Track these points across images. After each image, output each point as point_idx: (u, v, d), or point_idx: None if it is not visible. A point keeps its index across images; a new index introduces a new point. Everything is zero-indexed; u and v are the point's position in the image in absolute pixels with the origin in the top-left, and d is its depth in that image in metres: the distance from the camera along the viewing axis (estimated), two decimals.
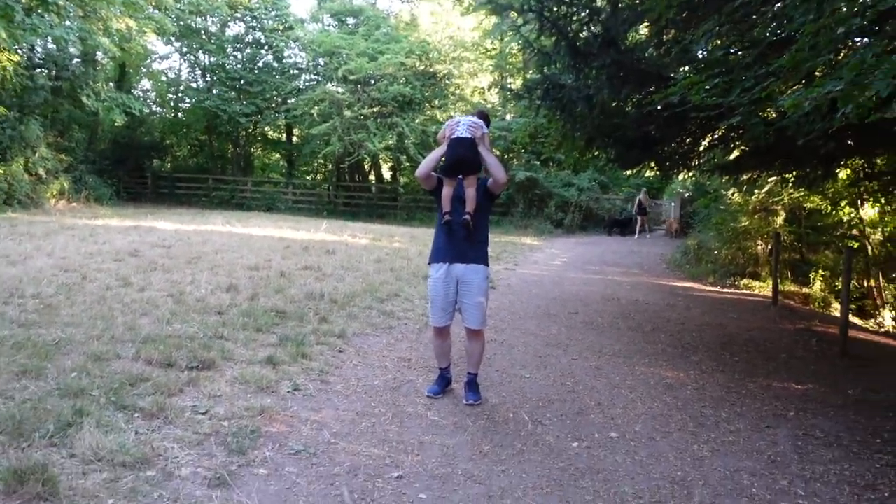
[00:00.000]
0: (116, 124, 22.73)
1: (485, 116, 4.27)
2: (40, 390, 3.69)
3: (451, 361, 4.48)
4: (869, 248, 10.40)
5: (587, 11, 6.19)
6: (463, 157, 4.03)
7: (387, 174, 28.55)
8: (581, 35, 6.39)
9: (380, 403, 4.12)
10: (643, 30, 7.52)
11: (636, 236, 20.05)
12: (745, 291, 10.95)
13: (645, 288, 10.17)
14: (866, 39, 4.04)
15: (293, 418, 3.73)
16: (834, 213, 11.07)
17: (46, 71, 18.59)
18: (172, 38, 24.07)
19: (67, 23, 14.78)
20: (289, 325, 5.69)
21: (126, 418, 3.45)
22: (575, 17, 6.32)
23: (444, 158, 4.10)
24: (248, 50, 25.62)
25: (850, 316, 6.87)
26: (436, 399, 4.26)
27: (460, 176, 4.12)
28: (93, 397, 3.64)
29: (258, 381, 4.18)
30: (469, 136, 4.06)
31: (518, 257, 13.02)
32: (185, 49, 25.66)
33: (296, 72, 25.62)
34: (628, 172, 11.97)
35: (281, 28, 25.33)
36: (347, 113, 21.07)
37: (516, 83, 23.74)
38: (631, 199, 22.08)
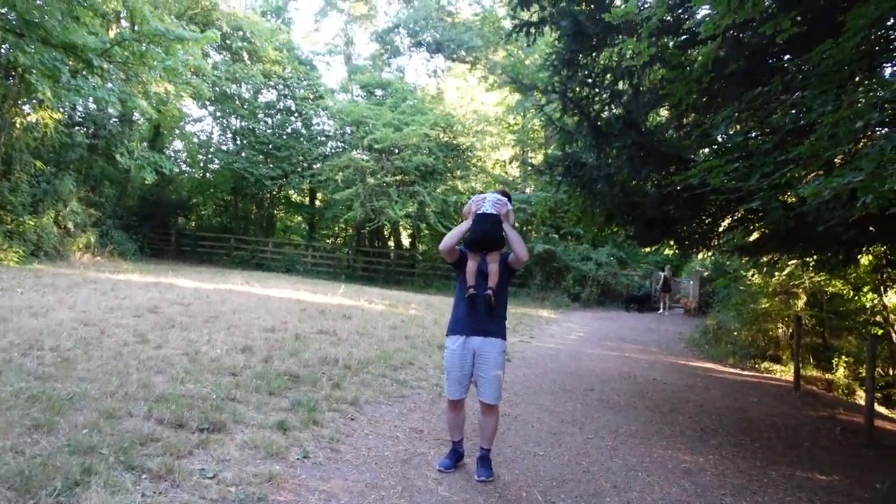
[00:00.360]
0: (146, 182, 23.36)
1: (507, 195, 4.36)
2: (51, 446, 3.67)
3: (463, 435, 4.40)
4: (893, 335, 10.19)
5: (609, 93, 6.38)
6: (488, 233, 4.11)
7: (406, 241, 28.83)
8: (603, 116, 6.58)
9: (390, 475, 4.04)
10: (664, 112, 7.72)
11: (660, 312, 20.12)
12: (765, 375, 10.70)
13: (663, 367, 9.99)
14: (886, 130, 4.11)
15: (301, 487, 3.66)
16: (856, 298, 10.92)
17: (85, 129, 19.36)
18: (207, 103, 25.01)
19: (109, 85, 15.48)
20: (301, 389, 5.66)
21: (134, 479, 3.41)
22: (597, 99, 6.52)
23: (469, 233, 4.17)
24: (278, 116, 26.50)
25: (876, 405, 6.67)
26: (447, 473, 4.16)
27: (484, 251, 4.17)
28: (102, 455, 3.61)
29: (268, 446, 4.13)
30: (495, 212, 4.13)
31: (534, 330, 12.92)
32: (218, 113, 26.62)
33: (323, 138, 26.37)
34: (647, 249, 12.00)
35: (311, 97, 26.25)
36: (371, 180, 21.52)
37: (537, 158, 24.21)
38: (649, 275, 22.01)
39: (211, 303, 10.57)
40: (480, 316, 4.09)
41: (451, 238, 4.15)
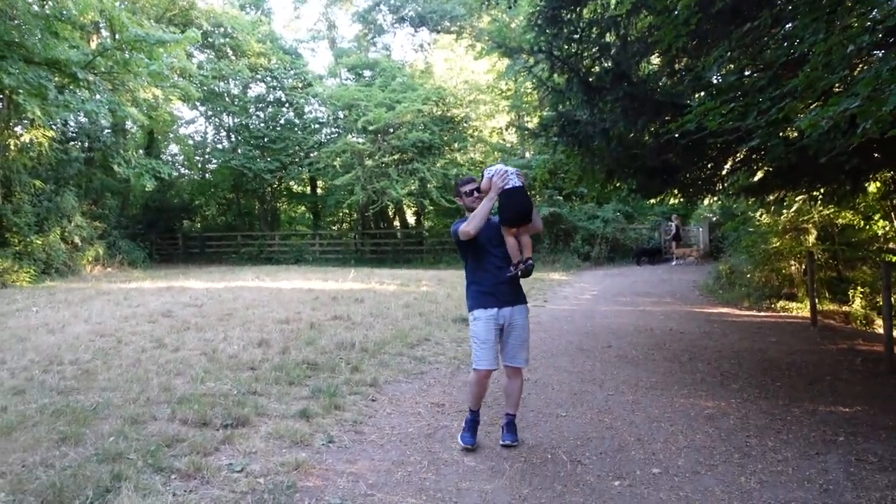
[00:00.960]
0: (147, 189, 23.38)
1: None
2: (80, 456, 3.73)
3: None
4: None
5: (597, 47, 6.27)
6: (525, 206, 4.09)
7: (411, 219, 28.79)
8: (593, 70, 6.46)
9: (415, 451, 4.07)
10: (654, 60, 7.59)
11: (673, 263, 20.13)
12: (782, 314, 10.68)
13: (678, 316, 9.98)
14: (881, 53, 4.02)
15: (329, 471, 3.70)
16: (867, 227, 10.82)
17: (79, 143, 19.35)
18: (197, 103, 24.90)
19: (98, 97, 15.42)
20: (321, 376, 5.70)
21: (163, 480, 3.46)
22: (585, 54, 6.41)
23: (501, 209, 4.11)
24: (269, 109, 26.36)
25: (895, 331, 6.63)
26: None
27: (519, 224, 4.14)
28: (130, 461, 3.66)
29: (292, 435, 4.17)
30: (521, 184, 4.10)
31: (547, 293, 12.92)
32: (209, 112, 26.52)
33: (317, 126, 26.26)
34: (652, 201, 11.89)
35: (300, 85, 26.07)
36: (369, 162, 21.44)
37: (533, 122, 23.98)
38: (657, 227, 21.91)
39: (223, 301, 10.64)
40: (509, 286, 4.11)
41: (480, 219, 3.99)
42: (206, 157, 27.90)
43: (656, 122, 6.13)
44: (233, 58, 24.61)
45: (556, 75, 6.64)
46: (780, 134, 4.76)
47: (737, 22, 5.15)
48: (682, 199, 8.77)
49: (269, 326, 8.09)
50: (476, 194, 4.09)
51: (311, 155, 25.01)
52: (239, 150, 25.25)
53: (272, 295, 11.65)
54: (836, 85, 4.15)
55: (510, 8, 7.83)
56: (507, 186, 4.04)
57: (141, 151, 22.90)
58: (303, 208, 31.27)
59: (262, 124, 25.84)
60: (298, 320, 8.61)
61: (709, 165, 7.13)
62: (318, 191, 28.75)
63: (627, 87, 5.80)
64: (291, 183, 28.09)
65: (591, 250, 20.67)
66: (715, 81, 5.69)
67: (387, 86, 23.52)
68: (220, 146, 27.13)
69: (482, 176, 4.13)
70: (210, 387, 5.23)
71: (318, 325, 8.22)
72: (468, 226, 4.01)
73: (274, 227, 28.00)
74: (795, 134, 5.17)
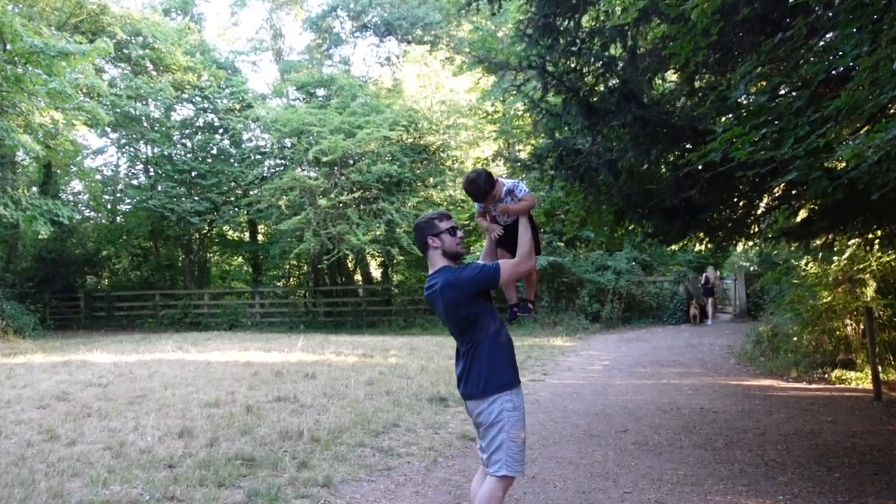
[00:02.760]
0: (41, 236, 23.21)
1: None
2: None
3: None
4: None
5: (600, 62, 6.45)
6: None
7: (376, 273, 28.81)
8: (595, 90, 6.64)
9: None
10: (670, 77, 7.82)
11: (709, 322, 20.69)
12: (838, 386, 10.76)
13: (711, 391, 10.01)
14: None
15: None
16: None
17: None
18: (108, 129, 25.00)
19: None
20: (259, 475, 5.59)
21: None
22: (586, 70, 6.59)
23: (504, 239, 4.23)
24: (198, 136, 26.54)
25: None
26: None
27: None
28: None
29: None
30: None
31: (547, 364, 12.91)
32: (122, 140, 26.62)
33: (258, 157, 26.45)
34: (673, 247, 12.05)
35: (238, 107, 26.34)
36: (323, 201, 21.55)
37: (525, 151, 24.37)
38: (681, 279, 22.18)
39: (136, 379, 10.47)
40: None
41: (532, 248, 4.01)
42: (118, 195, 27.87)
43: (674, 151, 6.28)
44: (153, 73, 24.90)
45: (551, 95, 6.80)
46: (823, 165, 4.90)
47: (766, 32, 5.36)
48: (709, 245, 8.91)
49: (194, 411, 7.95)
50: (459, 234, 4.08)
51: (251, 193, 25.12)
52: (159, 188, 25.27)
53: (199, 370, 11.48)
54: (889, 106, 4.30)
55: (494, 14, 8.07)
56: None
57: (34, 189, 22.80)
58: (239, 260, 31.19)
59: (188, 155, 25.98)
60: (232, 403, 8.47)
61: (740, 204, 7.27)
62: (259, 238, 28.73)
63: (637, 109, 5.95)
64: (225, 228, 28.08)
65: (602, 309, 20.79)
66: (743, 102, 5.87)
67: (345, 107, 23.88)
68: (135, 182, 27.15)
69: (495, 186, 4.09)
70: (115, 491, 5.10)
71: (256, 408, 8.10)
72: (527, 260, 3.94)
73: (202, 284, 27.81)
74: (843, 164, 5.33)
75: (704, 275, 21.49)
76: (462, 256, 4.04)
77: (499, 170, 26.58)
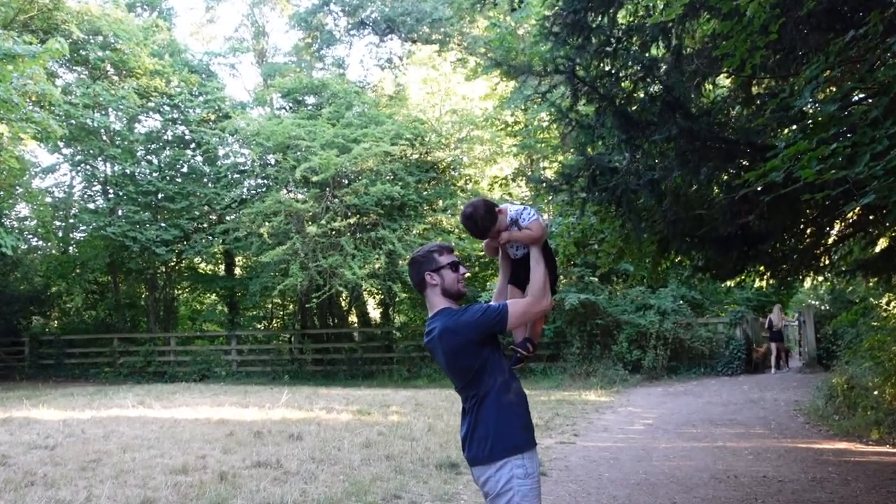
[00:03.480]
0: None
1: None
2: None
3: None
4: None
5: (639, 66, 6.49)
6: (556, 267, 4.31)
7: (374, 313, 28.79)
8: (634, 97, 6.67)
9: None
10: (723, 82, 7.86)
11: (773, 372, 20.80)
12: None
13: (775, 456, 9.90)
14: None
15: None
16: None
17: None
18: (60, 144, 25.14)
19: None
20: None
21: None
22: (623, 74, 6.63)
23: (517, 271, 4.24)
24: (166, 151, 26.75)
25: None
26: None
27: None
28: None
29: None
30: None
31: (579, 423, 12.82)
32: (77, 157, 26.71)
33: (236, 176, 26.52)
34: (728, 283, 12.02)
35: (212, 118, 26.51)
36: (312, 229, 21.60)
37: (551, 169, 24.44)
38: (738, 321, 22.06)
39: (89, 440, 10.43)
40: None
41: (548, 283, 4.02)
42: (71, 221, 27.94)
43: (727, 169, 6.28)
44: (115, 79, 25.14)
45: (582, 104, 6.84)
46: None
47: (836, 29, 5.39)
48: (771, 281, 8.89)
49: (158, 479, 7.91)
50: (462, 270, 4.06)
51: (227, 218, 25.20)
52: (119, 212, 25.40)
53: (163, 429, 11.44)
54: None
55: (515, 9, 8.14)
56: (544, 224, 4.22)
57: None
58: (213, 298, 31.26)
59: (154, 174, 26.14)
60: (202, 469, 8.42)
61: (807, 232, 7.27)
62: (237, 272, 28.82)
63: (684, 120, 5.97)
64: (197, 260, 28.20)
65: (643, 357, 20.67)
66: (809, 111, 5.87)
67: (339, 118, 24.03)
68: (91, 206, 27.25)
69: (497, 213, 4.09)
70: None
71: (231, 475, 8.05)
72: (540, 299, 3.92)
73: (169, 327, 27.85)
74: None
75: (769, 316, 21.38)
76: (463, 296, 4.04)
77: (520, 192, 26.69)
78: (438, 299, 3.96)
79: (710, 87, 7.36)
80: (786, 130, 6.16)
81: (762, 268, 8.13)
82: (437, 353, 3.89)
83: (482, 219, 4.03)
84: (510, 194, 26.87)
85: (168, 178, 26.11)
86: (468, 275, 4.15)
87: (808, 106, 5.87)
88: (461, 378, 3.86)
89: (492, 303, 3.99)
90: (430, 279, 3.96)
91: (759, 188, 5.74)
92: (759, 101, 6.51)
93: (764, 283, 9.69)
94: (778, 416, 13.55)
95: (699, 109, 6.40)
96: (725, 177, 6.61)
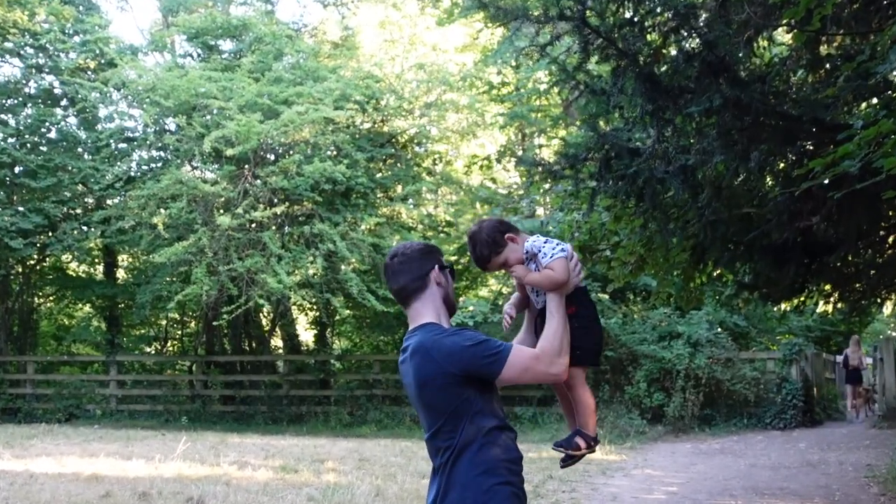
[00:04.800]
0: None
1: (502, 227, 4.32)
2: None
3: None
4: None
5: (671, 13, 6.52)
6: (600, 332, 4.27)
7: (306, 335, 28.68)
8: (664, 54, 6.71)
9: None
10: (781, 38, 7.92)
11: (853, 418, 21.34)
12: None
13: None
14: None
15: None
16: None
17: None
18: None
19: None
20: None
21: None
22: (648, 24, 6.66)
23: (583, 333, 4.04)
24: (27, 110, 26.41)
25: None
26: None
27: None
28: None
29: None
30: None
31: (578, 490, 12.86)
32: None
33: (122, 146, 26.30)
34: (782, 306, 12.11)
35: (92, 66, 26.26)
36: (224, 219, 21.44)
37: (550, 148, 24.52)
38: (794, 356, 22.18)
39: None
40: None
41: (565, 344, 3.89)
42: None
43: (786, 155, 6.34)
44: None
45: (593, 61, 6.87)
46: None
47: None
48: (839, 305, 8.97)
49: None
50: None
51: (109, 203, 24.97)
52: None
53: (14, 489, 11.35)
54: None
55: None
56: (576, 277, 4.06)
57: None
58: (87, 309, 30.92)
59: (10, 139, 25.80)
60: None
61: (888, 241, 7.35)
62: (120, 275, 28.55)
63: (730, 87, 6.01)
64: (66, 258, 27.89)
65: (667, 402, 20.73)
66: (894, 80, 5.95)
67: (265, 71, 23.88)
68: None
69: (502, 244, 4.08)
70: None
71: None
72: (551, 360, 3.78)
73: (26, 348, 27.54)
74: None
75: (844, 352, 21.46)
76: (455, 312, 4.10)
77: (508, 177, 26.73)
78: (433, 308, 3.94)
79: (765, 44, 7.40)
80: (864, 105, 6.23)
81: (828, 287, 8.22)
82: (408, 378, 3.86)
83: (482, 243, 4.01)
84: (493, 180, 26.94)
85: (29, 145, 25.77)
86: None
87: (894, 73, 5.95)
88: (430, 420, 3.82)
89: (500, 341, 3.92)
90: (438, 277, 3.96)
91: (826, 181, 5.80)
92: (828, 65, 6.58)
93: (830, 308, 9.77)
94: (844, 485, 13.65)
95: (750, 74, 6.45)
96: (782, 164, 6.68)
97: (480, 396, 3.77)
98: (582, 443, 4.02)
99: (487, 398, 3.81)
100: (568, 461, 4.08)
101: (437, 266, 3.94)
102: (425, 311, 3.91)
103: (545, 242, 4.03)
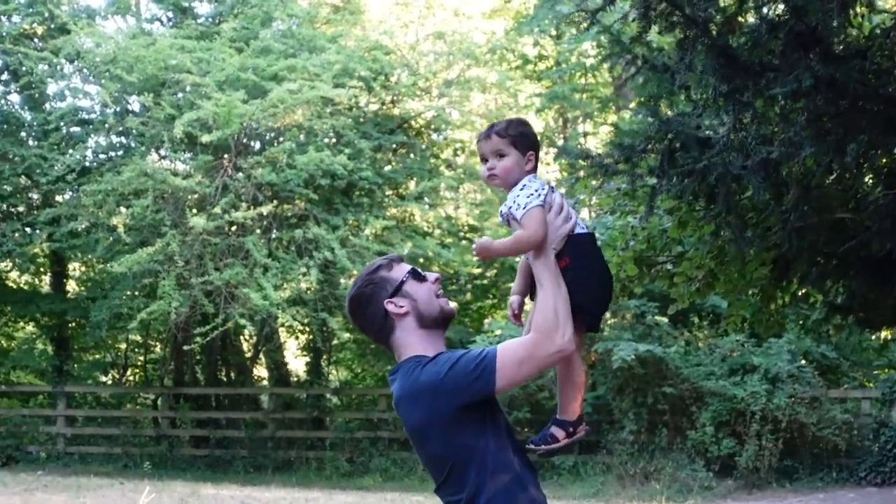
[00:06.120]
0: None
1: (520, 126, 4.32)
2: None
3: None
4: None
5: None
6: (610, 279, 4.30)
7: (297, 364, 28.74)
8: (740, 24, 6.71)
9: None
10: (888, 2, 7.92)
11: None
12: None
13: None
14: None
15: None
16: None
17: None
18: None
19: None
20: None
21: None
22: None
23: (576, 287, 4.02)
24: None
25: None
26: None
27: None
28: None
29: None
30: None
31: None
32: None
33: (76, 130, 26.38)
34: (885, 335, 12.10)
35: (40, 32, 26.38)
36: (199, 220, 21.47)
37: (598, 137, 24.55)
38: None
39: None
40: None
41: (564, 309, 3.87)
42: None
43: (890, 148, 6.33)
44: None
45: (655, 32, 6.88)
46: None
47: None
48: None
49: None
50: (430, 275, 4.05)
51: (59, 199, 25.08)
52: None
53: None
54: None
55: None
56: (577, 230, 4.07)
57: None
58: (30, 329, 31.05)
59: None
60: None
61: None
62: (71, 287, 28.65)
63: (822, 64, 6.02)
64: (4, 266, 28.02)
65: (739, 450, 20.69)
66: None
67: (250, 39, 23.92)
68: None
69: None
70: None
71: None
72: (549, 337, 3.68)
73: None
74: None
75: None
76: (452, 317, 4.07)
77: (546, 172, 26.73)
78: (415, 338, 3.92)
79: (865, 11, 7.41)
80: None
81: None
82: (405, 427, 3.91)
83: (515, 127, 4.10)
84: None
85: None
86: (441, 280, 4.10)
87: None
88: (435, 473, 3.84)
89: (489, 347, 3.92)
90: (396, 308, 3.92)
91: None
92: None
93: None
94: None
95: (847, 48, 6.45)
96: (885, 160, 6.68)
97: (485, 435, 3.74)
98: (560, 433, 4.02)
99: (500, 437, 3.79)
100: (547, 454, 4.14)
101: (387, 297, 3.92)
102: (409, 340, 3.93)
103: (521, 189, 4.03)
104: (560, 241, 3.93)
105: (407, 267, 4.02)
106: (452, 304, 4.06)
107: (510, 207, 3.99)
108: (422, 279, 3.97)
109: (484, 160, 4.11)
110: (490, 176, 4.08)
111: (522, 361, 3.68)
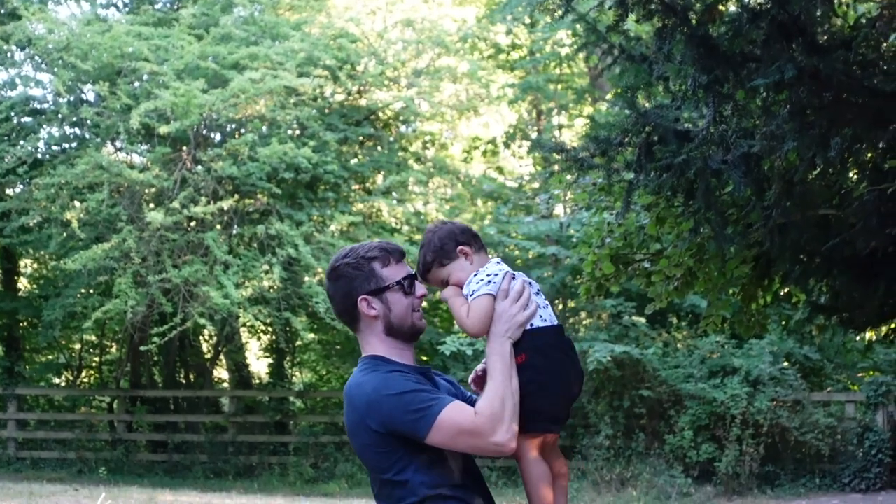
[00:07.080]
0: None
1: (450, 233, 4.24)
2: None
3: None
4: None
5: None
6: (580, 377, 4.12)
7: (259, 366, 28.68)
8: (721, 12, 6.73)
9: None
10: None
11: None
12: None
13: None
14: None
15: None
16: None
17: None
18: None
19: None
20: None
21: None
22: None
23: (532, 389, 3.94)
24: None
25: None
26: None
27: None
28: None
29: None
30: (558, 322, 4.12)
31: None
32: None
33: (27, 121, 26.27)
34: (869, 335, 12.12)
35: None
36: (156, 215, 21.41)
37: (574, 130, 24.56)
38: (881, 399, 22.14)
39: None
40: None
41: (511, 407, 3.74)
42: None
43: (875, 143, 6.35)
44: None
45: (632, 20, 6.89)
46: None
47: None
48: None
49: None
50: (419, 290, 4.02)
51: (9, 193, 24.96)
52: None
53: None
54: None
55: None
56: (535, 322, 3.98)
57: None
58: None
59: None
60: None
61: None
62: (22, 285, 28.52)
63: (805, 55, 6.04)
64: None
65: (719, 455, 20.75)
66: None
67: (210, 26, 23.85)
68: None
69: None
70: None
71: None
72: (491, 425, 3.62)
73: None
74: None
75: None
76: (419, 334, 4.06)
77: (519, 166, 26.71)
78: (378, 340, 3.92)
79: (848, 1, 7.44)
80: None
81: None
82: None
83: (429, 246, 4.04)
84: (500, 169, 26.95)
85: None
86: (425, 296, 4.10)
87: None
88: (370, 477, 3.95)
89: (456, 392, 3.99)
90: (367, 308, 3.90)
91: None
92: None
93: None
94: None
95: (831, 37, 6.47)
96: (871, 154, 6.69)
97: (419, 455, 3.74)
98: None
99: (432, 457, 3.76)
100: None
101: (366, 292, 3.90)
102: (371, 340, 3.95)
103: (475, 274, 3.98)
104: (517, 330, 3.87)
105: (403, 272, 3.98)
106: (424, 321, 4.04)
107: (465, 294, 3.96)
108: (410, 290, 3.95)
109: (443, 286, 4.06)
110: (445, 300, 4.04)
111: (460, 434, 3.65)
